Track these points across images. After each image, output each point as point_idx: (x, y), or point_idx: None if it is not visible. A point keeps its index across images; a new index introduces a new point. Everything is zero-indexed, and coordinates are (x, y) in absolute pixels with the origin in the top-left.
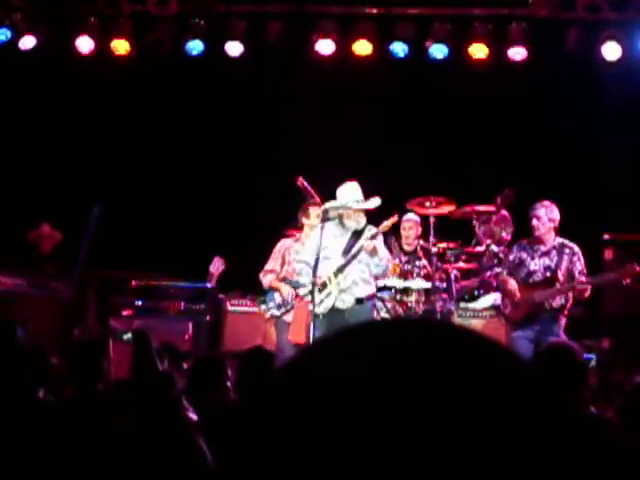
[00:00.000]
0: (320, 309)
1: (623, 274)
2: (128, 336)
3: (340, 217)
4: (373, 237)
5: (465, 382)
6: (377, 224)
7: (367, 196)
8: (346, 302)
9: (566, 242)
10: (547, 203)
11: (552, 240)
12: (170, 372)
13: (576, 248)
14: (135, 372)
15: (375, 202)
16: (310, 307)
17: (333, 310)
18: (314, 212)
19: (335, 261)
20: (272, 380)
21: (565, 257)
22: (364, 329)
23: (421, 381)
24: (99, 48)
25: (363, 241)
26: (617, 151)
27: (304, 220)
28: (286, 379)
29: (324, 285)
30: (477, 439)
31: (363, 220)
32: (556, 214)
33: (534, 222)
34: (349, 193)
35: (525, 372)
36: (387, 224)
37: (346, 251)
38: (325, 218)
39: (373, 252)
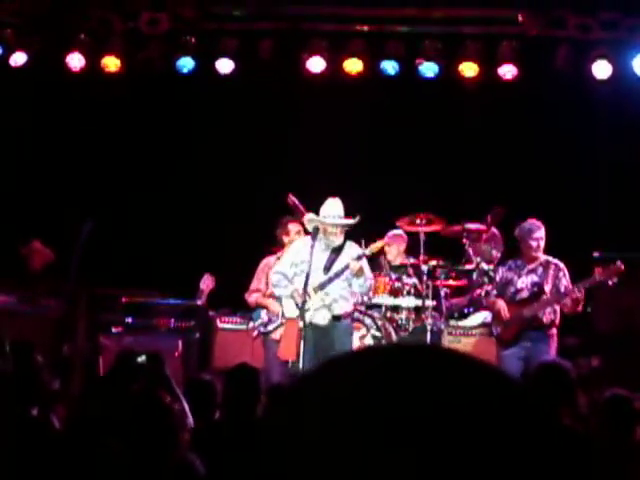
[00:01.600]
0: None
1: (609, 274)
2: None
3: (323, 232)
4: (359, 258)
5: (460, 407)
6: (366, 244)
7: (356, 212)
8: (325, 318)
9: (550, 259)
10: (533, 222)
11: (537, 258)
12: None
13: (561, 265)
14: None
15: (353, 220)
16: (300, 324)
17: (313, 326)
18: (294, 229)
19: (315, 276)
20: (273, 407)
21: (551, 273)
22: (357, 357)
23: (424, 407)
24: (90, 65)
25: (348, 260)
26: (607, 169)
27: (283, 237)
28: (286, 407)
29: (302, 300)
30: (469, 464)
31: (340, 237)
32: (540, 233)
33: (541, 243)
34: (329, 209)
35: (515, 393)
36: (376, 246)
37: (327, 267)
38: (315, 235)
39: (359, 273)
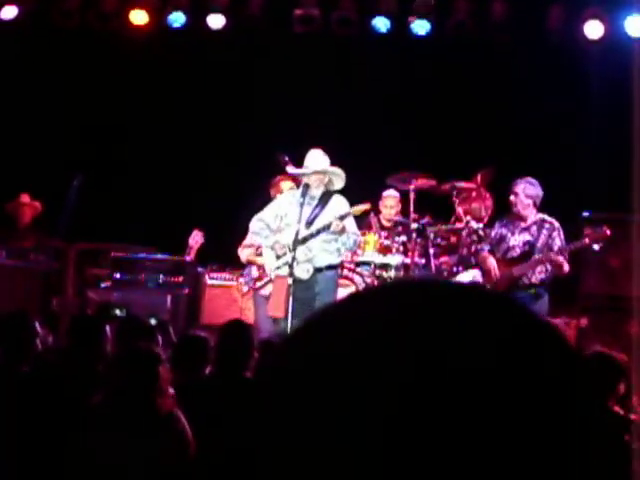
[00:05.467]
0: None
1: (594, 238)
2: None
3: (306, 186)
4: (342, 218)
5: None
6: (352, 204)
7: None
8: (308, 272)
9: (546, 217)
10: (529, 179)
11: (533, 216)
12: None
13: (556, 224)
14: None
15: (337, 171)
16: (289, 281)
17: (296, 281)
18: (286, 185)
19: (295, 230)
20: (277, 351)
21: (544, 232)
22: (378, 292)
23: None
24: (80, 20)
25: (330, 218)
26: (597, 131)
27: (277, 195)
28: (290, 351)
29: (283, 252)
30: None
31: (320, 188)
32: (535, 191)
33: (512, 198)
34: (311, 160)
35: (569, 353)
36: (358, 209)
37: (309, 222)
38: (305, 190)
39: (341, 232)
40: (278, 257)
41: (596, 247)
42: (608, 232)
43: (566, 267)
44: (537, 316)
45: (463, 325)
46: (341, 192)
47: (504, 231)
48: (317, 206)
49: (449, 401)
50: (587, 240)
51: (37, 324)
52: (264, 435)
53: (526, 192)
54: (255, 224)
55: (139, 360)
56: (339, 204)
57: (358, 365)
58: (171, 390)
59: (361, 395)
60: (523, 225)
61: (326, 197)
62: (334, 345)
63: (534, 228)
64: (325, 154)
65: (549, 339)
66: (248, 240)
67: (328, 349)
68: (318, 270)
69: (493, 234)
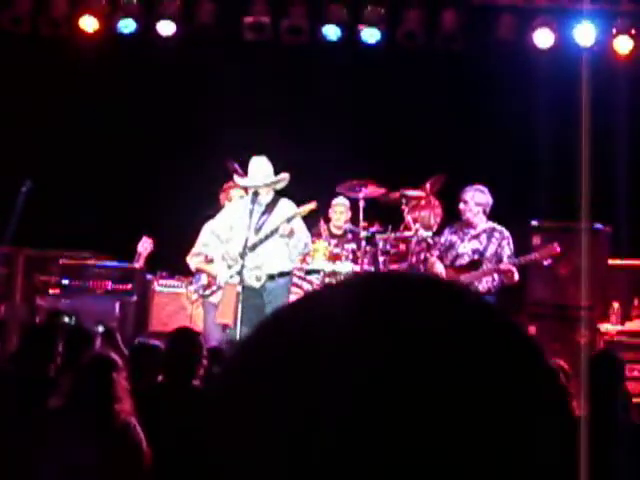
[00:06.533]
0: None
1: (544, 255)
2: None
3: (255, 193)
4: (289, 220)
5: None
6: (298, 205)
7: (283, 170)
8: (259, 279)
9: (496, 226)
10: (478, 187)
11: (483, 224)
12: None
13: (506, 232)
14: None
15: (284, 177)
16: (238, 289)
17: (247, 289)
18: (236, 194)
19: (244, 238)
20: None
21: (494, 241)
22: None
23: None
24: (30, 26)
25: (278, 222)
26: (546, 139)
27: (226, 202)
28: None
29: (234, 262)
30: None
31: (269, 195)
32: (484, 198)
33: (461, 205)
34: (255, 168)
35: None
36: (304, 209)
37: (258, 229)
38: (254, 198)
39: (290, 235)
40: (229, 267)
41: (545, 263)
42: (558, 249)
43: (516, 276)
44: (493, 307)
45: (429, 312)
46: (290, 199)
47: (453, 238)
48: (265, 212)
49: (419, 383)
50: (537, 255)
51: None
52: (222, 437)
53: (476, 200)
54: (206, 235)
55: (95, 366)
56: (286, 207)
57: (327, 352)
58: (129, 399)
59: (331, 379)
60: (473, 233)
61: (273, 202)
62: (298, 337)
63: (484, 236)
64: (268, 161)
65: (507, 327)
66: (197, 249)
67: (291, 342)
68: (270, 277)
69: (442, 240)
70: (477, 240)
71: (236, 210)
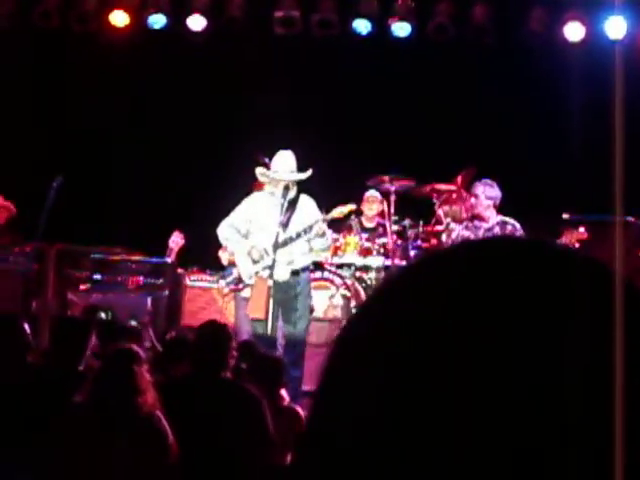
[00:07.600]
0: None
1: (571, 240)
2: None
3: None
4: (324, 220)
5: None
6: (333, 206)
7: (308, 167)
8: (287, 274)
9: (507, 219)
10: (487, 181)
11: (494, 217)
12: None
13: (518, 225)
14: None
15: (307, 173)
16: (270, 282)
17: (275, 283)
18: (269, 189)
19: (272, 233)
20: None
21: (507, 233)
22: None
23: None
24: (60, 21)
25: (310, 219)
26: (577, 132)
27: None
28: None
29: (261, 257)
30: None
31: (292, 191)
32: (494, 192)
33: (472, 200)
34: (280, 163)
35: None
36: (343, 211)
37: (284, 224)
38: (286, 193)
39: (323, 234)
40: (255, 262)
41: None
42: (585, 234)
43: None
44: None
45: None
46: (321, 195)
47: (466, 233)
48: (289, 208)
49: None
50: (564, 241)
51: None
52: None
53: (486, 194)
54: (225, 230)
55: (117, 359)
56: (310, 205)
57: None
58: (152, 391)
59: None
60: (486, 226)
61: (295, 198)
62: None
63: (497, 229)
64: (293, 155)
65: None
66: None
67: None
68: (295, 272)
69: (454, 236)
70: (492, 233)
71: (254, 204)
